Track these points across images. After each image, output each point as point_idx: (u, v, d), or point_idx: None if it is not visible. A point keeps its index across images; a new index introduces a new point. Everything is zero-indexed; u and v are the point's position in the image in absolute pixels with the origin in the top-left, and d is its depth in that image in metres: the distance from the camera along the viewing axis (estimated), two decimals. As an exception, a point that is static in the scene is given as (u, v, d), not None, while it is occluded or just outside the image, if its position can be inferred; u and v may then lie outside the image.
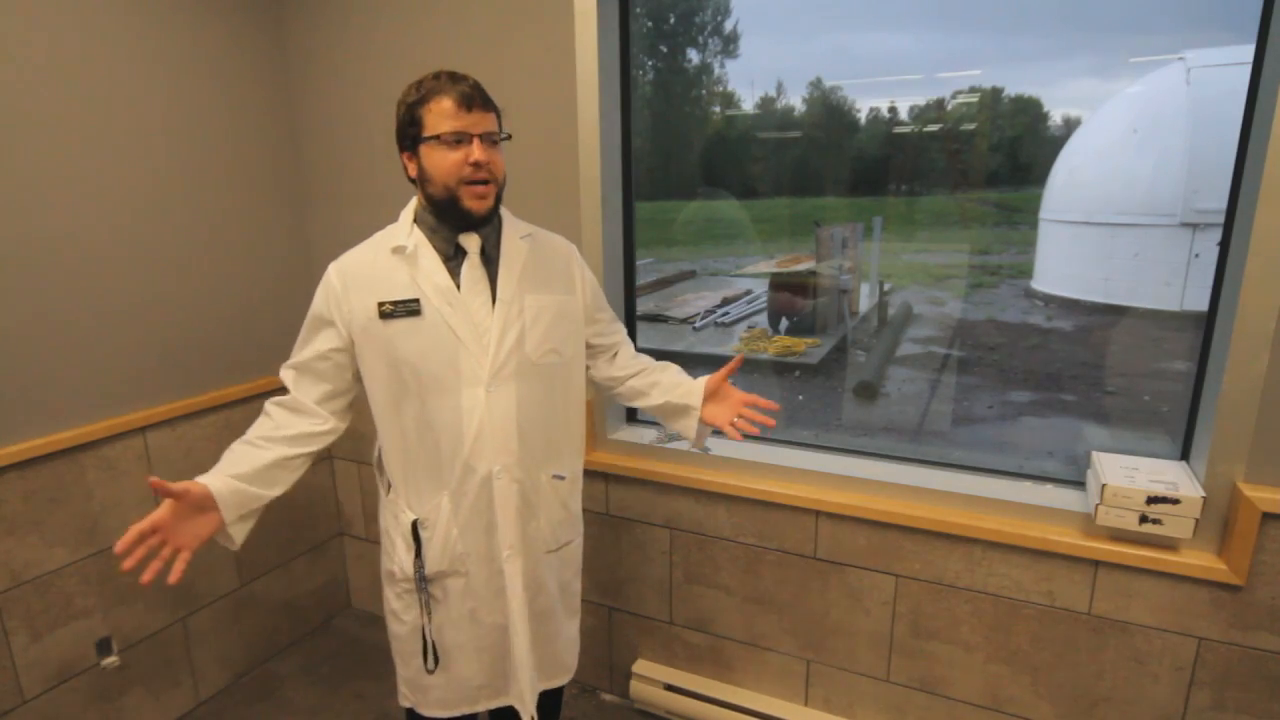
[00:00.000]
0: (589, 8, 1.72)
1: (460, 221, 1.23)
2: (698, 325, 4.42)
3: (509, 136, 1.26)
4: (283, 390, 1.32)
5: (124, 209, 1.81)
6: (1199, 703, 1.49)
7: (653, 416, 1.52)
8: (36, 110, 1.62)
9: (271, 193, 2.19)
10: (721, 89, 3.46)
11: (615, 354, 1.52)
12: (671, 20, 3.13)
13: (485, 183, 1.19)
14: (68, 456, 1.74)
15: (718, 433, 1.42)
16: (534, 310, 1.30)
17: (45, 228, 1.66)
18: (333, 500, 2.50)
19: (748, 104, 3.36)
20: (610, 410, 1.98)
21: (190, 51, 1.92)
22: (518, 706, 1.39)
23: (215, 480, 1.19)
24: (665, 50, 3.17)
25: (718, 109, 3.50)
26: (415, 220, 1.28)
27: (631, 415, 2.09)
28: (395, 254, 1.25)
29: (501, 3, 1.83)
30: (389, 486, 1.36)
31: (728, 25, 3.18)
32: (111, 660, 1.87)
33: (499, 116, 1.25)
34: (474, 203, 1.20)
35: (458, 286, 1.25)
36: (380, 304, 1.23)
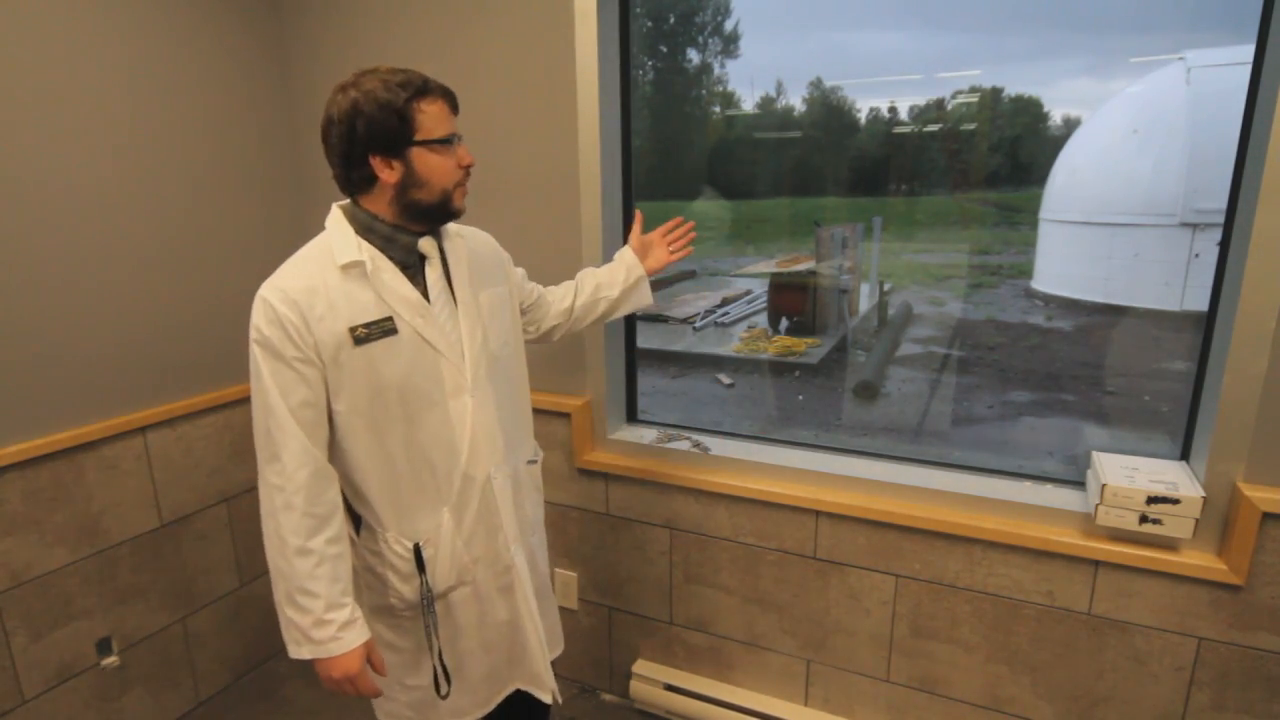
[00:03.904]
0: (589, 8, 1.72)
1: (437, 224, 1.23)
2: (698, 325, 4.42)
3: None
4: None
5: (123, 208, 1.81)
6: (1199, 703, 1.49)
7: (612, 315, 1.60)
8: (35, 109, 1.62)
9: (271, 191, 2.19)
10: (721, 89, 3.46)
11: (542, 298, 1.54)
12: (671, 20, 3.13)
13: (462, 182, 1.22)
14: (67, 457, 1.74)
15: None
16: (488, 306, 1.31)
17: (45, 227, 1.66)
18: (333, 500, 2.50)
19: (748, 104, 3.36)
20: (610, 410, 1.98)
21: (191, 50, 1.92)
22: (533, 688, 1.39)
23: (366, 632, 1.21)
24: (665, 50, 3.17)
25: (718, 109, 3.50)
26: (361, 232, 1.17)
27: (632, 415, 2.09)
28: (347, 271, 1.14)
29: (502, 3, 1.83)
30: (359, 523, 1.27)
31: (728, 25, 3.18)
32: (111, 660, 1.87)
33: None
34: (462, 202, 1.22)
35: (424, 297, 1.22)
36: (352, 328, 1.13)
